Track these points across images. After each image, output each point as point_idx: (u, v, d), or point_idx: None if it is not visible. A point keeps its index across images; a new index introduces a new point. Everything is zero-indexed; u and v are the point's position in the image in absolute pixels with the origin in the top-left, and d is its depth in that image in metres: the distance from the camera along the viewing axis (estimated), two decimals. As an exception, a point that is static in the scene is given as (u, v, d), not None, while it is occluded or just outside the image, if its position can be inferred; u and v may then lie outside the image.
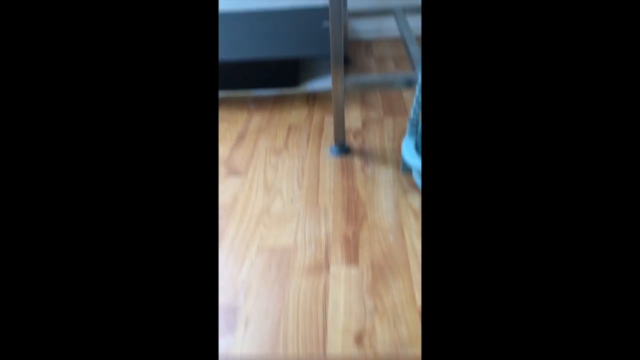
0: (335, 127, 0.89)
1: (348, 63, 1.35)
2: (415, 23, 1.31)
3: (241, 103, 1.18)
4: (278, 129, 1.03)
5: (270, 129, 1.03)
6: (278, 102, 1.17)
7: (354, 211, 0.74)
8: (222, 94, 1.23)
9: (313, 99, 1.18)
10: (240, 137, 1.01)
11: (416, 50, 0.99)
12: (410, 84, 0.88)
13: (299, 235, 0.70)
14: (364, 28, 1.57)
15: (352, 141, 0.95)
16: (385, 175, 0.84)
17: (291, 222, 0.73)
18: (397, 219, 0.73)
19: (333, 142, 0.93)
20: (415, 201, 0.76)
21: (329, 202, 0.77)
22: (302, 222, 0.73)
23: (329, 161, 0.89)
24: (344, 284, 0.62)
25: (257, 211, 0.77)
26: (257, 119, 1.09)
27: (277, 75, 1.19)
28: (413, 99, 0.89)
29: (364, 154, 0.91)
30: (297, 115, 1.09)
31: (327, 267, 0.65)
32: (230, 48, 1.13)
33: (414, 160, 0.73)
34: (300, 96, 1.20)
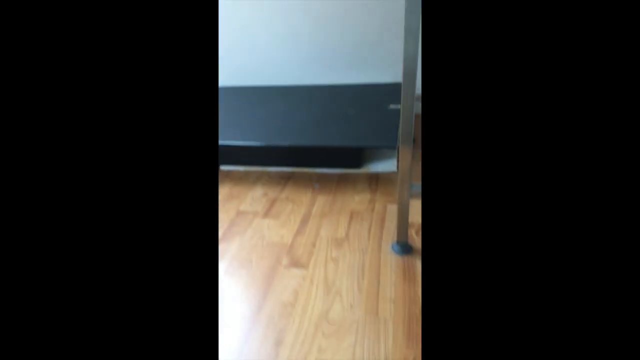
0: (399, 226, 0.89)
1: (413, 143, 1.36)
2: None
3: (307, 180, 1.23)
4: (340, 216, 1.05)
5: (333, 214, 1.06)
6: (342, 183, 1.20)
7: (415, 329, 0.72)
8: (288, 169, 1.29)
9: (376, 181, 1.20)
10: (304, 222, 1.04)
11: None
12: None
13: (357, 352, 0.70)
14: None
15: (414, 238, 0.94)
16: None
17: (350, 333, 0.73)
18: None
19: (395, 237, 0.93)
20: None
21: (389, 313, 0.76)
22: (362, 336, 0.72)
23: (391, 260, 0.89)
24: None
25: (316, 314, 0.77)
26: (321, 201, 1.12)
27: (342, 157, 1.22)
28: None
29: (427, 254, 0.89)
30: (359, 200, 1.11)
31: (385, 392, 0.63)
32: (297, 132, 1.19)
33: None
34: (363, 178, 1.22)
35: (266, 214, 1.09)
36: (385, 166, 1.25)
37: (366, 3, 1.46)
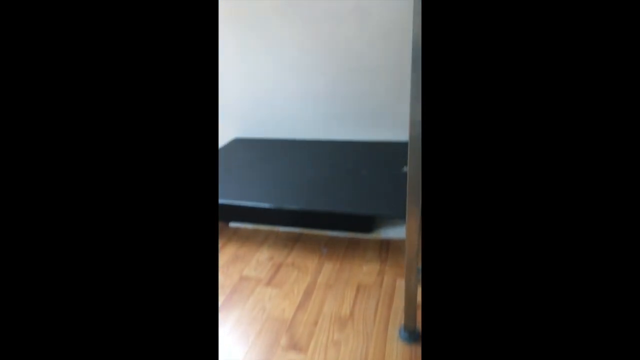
0: (406, 309, 0.83)
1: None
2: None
3: (315, 243, 1.19)
4: (346, 289, 0.99)
5: (339, 286, 1.00)
6: (350, 249, 1.15)
7: None
8: (297, 230, 1.26)
9: (387, 248, 1.14)
10: (308, 293, 0.99)
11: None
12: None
13: None
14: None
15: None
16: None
17: None
18: None
19: (403, 320, 0.86)
20: None
21: (390, 419, 0.69)
22: None
23: (397, 349, 0.82)
24: None
25: (311, 411, 0.71)
26: (328, 269, 1.07)
27: (352, 221, 1.18)
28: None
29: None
30: (368, 271, 1.05)
31: None
32: (307, 194, 1.17)
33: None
34: (374, 244, 1.16)
35: (269, 281, 1.04)
36: (397, 233, 1.20)
37: (383, 64, 1.47)
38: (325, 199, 1.13)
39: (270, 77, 1.64)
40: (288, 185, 1.23)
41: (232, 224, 1.33)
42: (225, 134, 1.81)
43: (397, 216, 1.02)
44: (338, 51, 1.51)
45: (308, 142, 1.65)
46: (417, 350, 0.81)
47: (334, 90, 1.58)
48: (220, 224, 1.34)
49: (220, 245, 1.22)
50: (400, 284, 1.00)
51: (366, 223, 1.18)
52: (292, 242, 1.21)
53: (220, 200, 1.17)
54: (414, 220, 0.76)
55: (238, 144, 1.72)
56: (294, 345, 0.85)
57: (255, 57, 1.62)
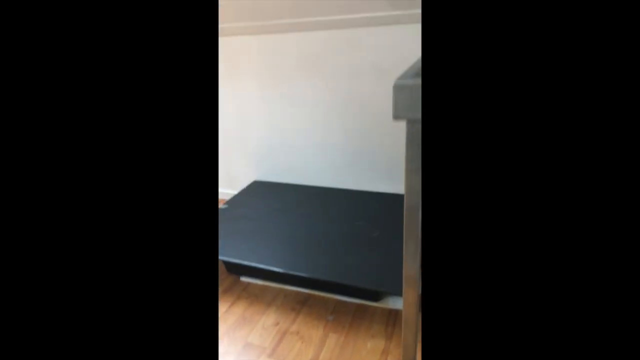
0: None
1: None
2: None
3: (322, 307, 1.18)
4: (348, 368, 0.98)
5: (341, 364, 0.99)
6: (357, 317, 1.14)
7: None
8: (305, 291, 1.26)
9: (394, 320, 1.12)
10: (309, 370, 0.98)
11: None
12: None
13: None
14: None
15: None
16: None
17: None
18: None
19: (402, 414, 0.84)
20: None
21: None
22: None
23: None
24: None
25: None
26: (332, 341, 1.06)
27: (360, 289, 1.17)
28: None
29: None
30: (372, 349, 1.03)
31: None
32: (316, 259, 1.16)
33: None
34: (381, 314, 1.14)
35: (273, 352, 1.05)
36: (406, 302, 1.17)
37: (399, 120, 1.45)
38: (334, 268, 1.12)
39: (289, 126, 1.67)
40: (299, 246, 1.23)
41: (243, 279, 1.35)
42: (247, 176, 1.86)
43: (399, 294, 1.00)
44: (354, 105, 1.52)
45: (324, 190, 1.66)
46: None
47: (350, 142, 1.59)
48: (232, 278, 1.36)
49: (229, 303, 1.24)
50: (404, 367, 0.97)
51: (374, 292, 1.16)
52: (299, 305, 1.21)
53: (234, 260, 1.20)
54: (409, 306, 0.73)
55: (257, 186, 1.75)
56: None
57: (276, 107, 1.66)
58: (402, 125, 1.45)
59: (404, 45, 1.36)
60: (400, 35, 1.36)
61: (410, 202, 0.64)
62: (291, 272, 1.12)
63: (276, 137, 1.72)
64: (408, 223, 0.69)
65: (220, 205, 1.58)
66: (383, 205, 1.49)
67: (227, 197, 1.91)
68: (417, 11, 1.30)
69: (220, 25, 1.61)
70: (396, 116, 0.50)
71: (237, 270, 1.35)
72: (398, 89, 0.48)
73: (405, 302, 0.74)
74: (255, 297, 1.26)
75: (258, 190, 1.71)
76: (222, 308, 1.22)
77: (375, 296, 1.17)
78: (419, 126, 0.51)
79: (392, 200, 1.51)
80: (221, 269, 1.42)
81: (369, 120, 1.52)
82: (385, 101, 1.46)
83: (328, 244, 1.24)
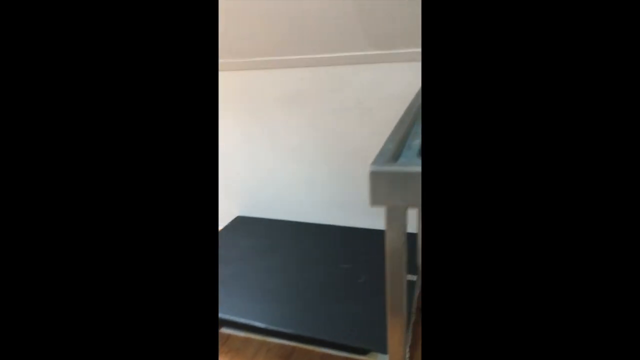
0: None
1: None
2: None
3: (306, 364, 1.12)
4: None
5: None
6: (344, 375, 1.07)
7: None
8: (291, 343, 1.20)
9: (383, 378, 1.05)
10: None
11: None
12: None
13: None
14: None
15: None
16: None
17: None
18: None
19: None
20: None
21: None
22: None
23: None
24: None
25: None
26: (317, 404, 0.99)
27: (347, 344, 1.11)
28: None
29: None
30: (359, 413, 0.97)
31: None
32: (300, 315, 1.11)
33: None
34: (369, 371, 1.08)
35: (254, 418, 0.97)
36: (396, 357, 1.11)
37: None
38: (318, 323, 1.07)
39: (272, 162, 1.63)
40: (282, 297, 1.18)
41: (225, 330, 1.27)
42: (230, 212, 1.80)
43: (385, 352, 0.94)
44: (338, 142, 1.49)
45: (308, 226, 1.62)
46: None
47: (333, 178, 1.55)
48: (213, 328, 1.29)
49: (209, 359, 1.16)
50: None
51: (361, 347, 1.10)
52: (284, 359, 1.14)
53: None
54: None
55: (240, 223, 1.69)
56: None
57: (259, 143, 1.62)
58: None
59: (387, 83, 1.34)
60: (383, 74, 1.34)
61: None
62: (274, 328, 1.06)
63: (259, 173, 1.68)
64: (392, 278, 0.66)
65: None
66: (368, 241, 1.45)
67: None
68: (400, 51, 1.28)
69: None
70: (374, 202, 0.46)
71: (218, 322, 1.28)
72: (375, 175, 0.44)
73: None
74: (237, 351, 1.19)
75: (241, 227, 1.65)
76: (201, 365, 1.14)
77: (363, 350, 1.11)
78: (398, 212, 0.47)
79: (377, 236, 1.46)
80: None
81: (353, 157, 1.49)
82: (370, 139, 1.43)
83: (312, 293, 1.18)
